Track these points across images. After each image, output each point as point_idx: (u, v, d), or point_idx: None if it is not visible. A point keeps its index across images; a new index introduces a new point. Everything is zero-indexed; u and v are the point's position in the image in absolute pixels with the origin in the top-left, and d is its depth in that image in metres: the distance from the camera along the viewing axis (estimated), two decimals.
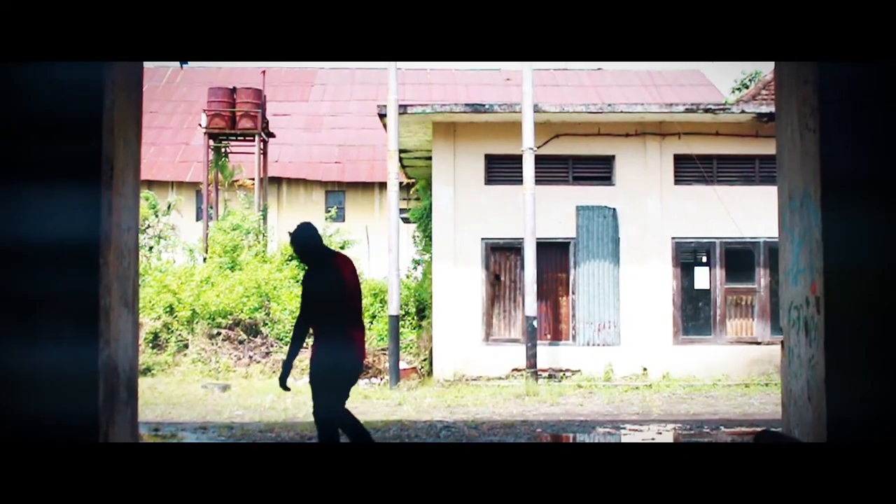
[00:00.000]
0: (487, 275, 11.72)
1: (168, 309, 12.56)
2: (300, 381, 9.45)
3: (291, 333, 4.93)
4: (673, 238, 11.75)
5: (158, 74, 27.46)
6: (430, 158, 12.64)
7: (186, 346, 12.24)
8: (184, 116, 25.30)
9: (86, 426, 3.49)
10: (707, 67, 33.00)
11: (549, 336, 11.67)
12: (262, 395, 9.48)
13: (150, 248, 17.57)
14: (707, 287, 11.85)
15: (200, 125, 18.95)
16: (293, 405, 8.81)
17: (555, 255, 11.72)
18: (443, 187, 11.75)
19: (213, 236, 15.97)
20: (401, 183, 13.38)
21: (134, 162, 4.08)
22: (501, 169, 11.77)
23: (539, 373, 10.92)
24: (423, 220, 14.68)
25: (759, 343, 11.67)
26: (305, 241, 4.75)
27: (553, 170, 11.78)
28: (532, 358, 10.69)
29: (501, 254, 11.81)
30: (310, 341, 4.92)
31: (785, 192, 4.47)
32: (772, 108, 10.80)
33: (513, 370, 11.37)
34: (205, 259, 16.01)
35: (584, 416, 8.32)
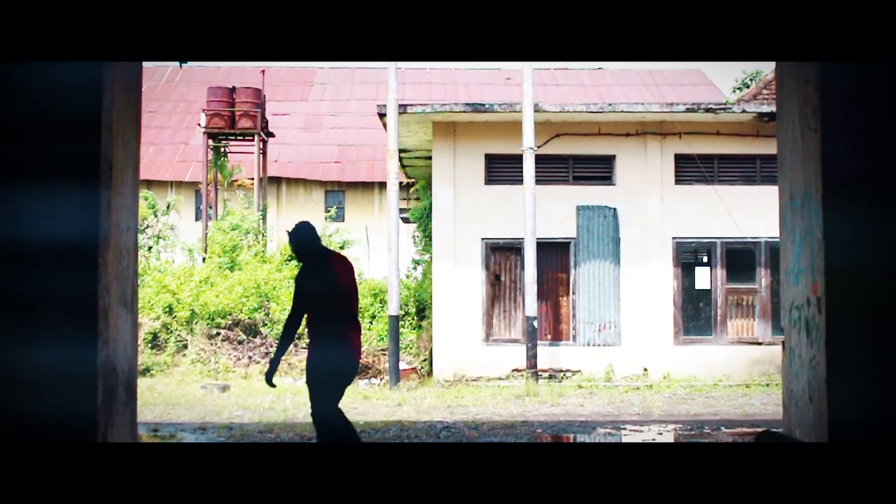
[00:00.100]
0: (487, 275, 11.71)
1: (167, 309, 12.54)
2: (300, 381, 9.44)
3: (281, 331, 4.94)
4: (674, 238, 11.74)
5: (157, 74, 27.45)
6: (430, 158, 12.62)
7: (185, 347, 12.22)
8: (183, 116, 25.28)
9: (84, 426, 3.49)
10: (708, 67, 33.01)
11: (549, 336, 11.66)
12: (262, 396, 9.46)
13: (150, 248, 17.56)
14: (708, 287, 11.83)
15: (199, 125, 18.94)
16: (293, 405, 8.79)
17: (555, 255, 11.70)
18: (443, 187, 11.74)
19: (213, 236, 15.96)
20: (401, 183, 13.37)
21: (133, 161, 4.08)
22: (501, 169, 11.75)
23: (539, 373, 10.91)
24: (423, 220, 14.67)
25: (760, 343, 11.66)
26: (303, 241, 4.76)
27: (553, 169, 11.77)
28: (532, 358, 10.68)
29: (501, 254, 11.80)
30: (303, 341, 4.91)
31: (786, 191, 4.46)
32: (773, 108, 10.80)
33: (513, 370, 11.36)
34: (204, 259, 15.99)
35: (584, 417, 8.30)
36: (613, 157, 11.82)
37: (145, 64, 4.47)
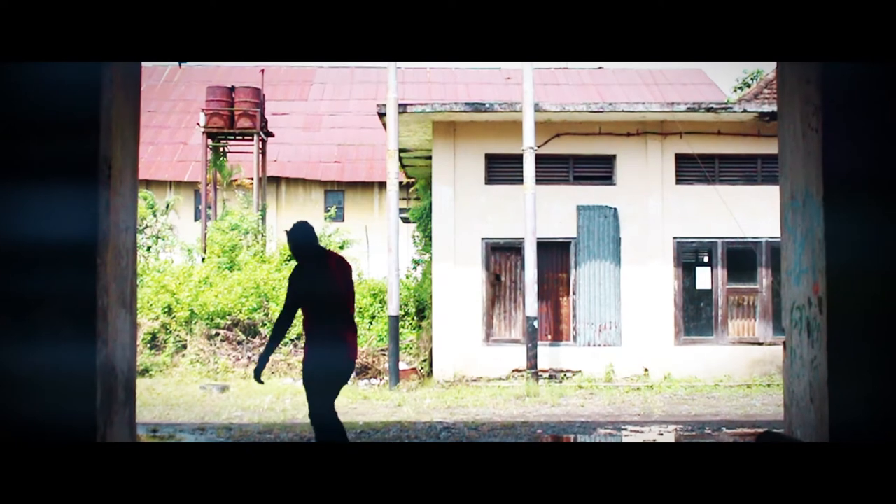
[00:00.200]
0: (488, 275, 11.70)
1: (166, 309, 12.52)
2: (300, 381, 9.41)
3: (272, 328, 4.96)
4: (674, 238, 11.73)
5: (157, 73, 27.43)
6: (429, 158, 12.61)
7: (185, 347, 12.20)
8: (182, 115, 25.26)
9: (83, 427, 3.48)
10: (709, 66, 32.99)
11: (549, 336, 11.64)
12: (261, 396, 9.44)
13: (148, 248, 17.54)
14: (709, 287, 11.82)
15: (199, 124, 18.92)
16: (292, 406, 8.78)
17: (555, 255, 11.69)
18: (443, 187, 11.72)
19: (212, 236, 15.94)
20: (400, 182, 13.35)
21: (132, 161, 4.07)
22: (502, 168, 11.74)
23: (540, 373, 10.89)
24: (423, 220, 14.65)
25: (761, 344, 11.64)
26: (301, 240, 4.75)
27: (554, 169, 11.75)
28: (533, 359, 10.66)
29: (502, 254, 11.78)
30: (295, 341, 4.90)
31: (787, 191, 4.45)
32: (774, 108, 10.79)
33: (513, 371, 11.35)
34: (203, 259, 15.97)
35: (585, 418, 8.29)
36: (614, 156, 11.81)
37: (144, 63, 4.46)
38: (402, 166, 14.60)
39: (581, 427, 7.63)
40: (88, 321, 3.51)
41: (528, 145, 10.88)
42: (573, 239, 11.68)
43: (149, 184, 21.33)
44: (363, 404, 9.27)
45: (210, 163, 19.35)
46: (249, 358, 11.98)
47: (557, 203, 11.59)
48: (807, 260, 4.12)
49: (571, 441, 7.09)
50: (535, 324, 10.78)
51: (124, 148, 3.90)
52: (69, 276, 3.49)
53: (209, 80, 25.01)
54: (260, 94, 19.02)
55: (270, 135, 20.02)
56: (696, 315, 11.84)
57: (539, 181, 11.07)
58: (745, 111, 11.47)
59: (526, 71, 11.13)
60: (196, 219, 21.38)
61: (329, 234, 17.37)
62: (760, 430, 6.51)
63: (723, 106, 11.72)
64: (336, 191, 23.44)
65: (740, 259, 11.81)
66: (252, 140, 19.09)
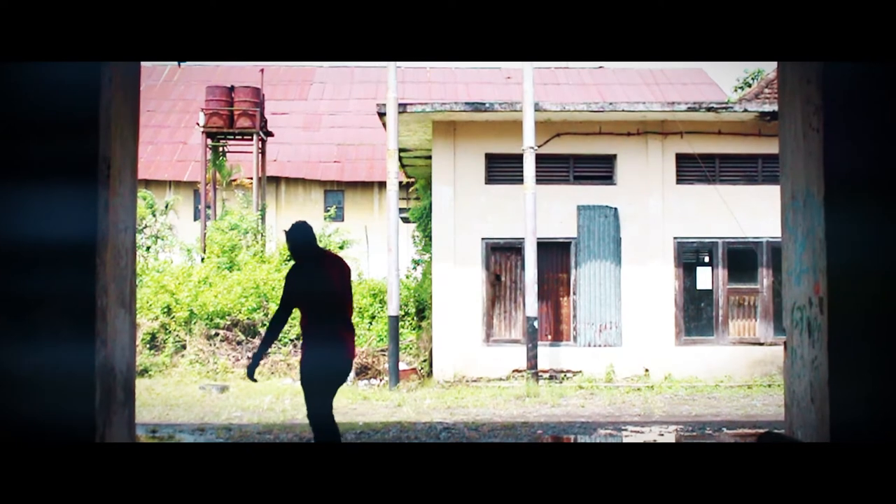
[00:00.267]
0: (488, 275, 11.69)
1: (165, 309, 12.50)
2: (299, 382, 9.39)
3: (267, 326, 4.97)
4: (675, 238, 11.71)
5: (156, 73, 27.41)
6: (429, 157, 12.59)
7: (184, 347, 12.19)
8: (181, 115, 25.24)
9: (82, 427, 3.47)
10: (709, 66, 32.99)
11: (549, 337, 11.63)
12: (261, 397, 9.43)
13: (148, 248, 17.53)
14: (709, 287, 11.80)
15: (198, 124, 18.90)
16: (292, 406, 8.76)
17: (556, 255, 11.68)
18: (443, 187, 11.71)
19: (211, 236, 15.92)
20: (400, 182, 13.34)
21: (131, 161, 4.06)
22: (502, 168, 11.73)
23: (540, 374, 10.88)
24: (423, 220, 14.64)
25: (761, 344, 11.63)
26: (300, 240, 4.77)
27: (554, 169, 11.74)
28: (533, 359, 10.65)
29: (502, 254, 11.77)
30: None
31: (788, 191, 4.44)
32: (775, 107, 10.77)
33: (513, 371, 11.33)
34: (202, 259, 15.95)
35: (585, 418, 8.28)
36: (614, 156, 11.80)
37: (144, 63, 4.45)
38: (402, 166, 14.59)
39: (581, 427, 7.62)
40: (87, 321, 3.50)
41: (528, 145, 10.87)
42: (573, 239, 11.67)
43: (148, 183, 21.31)
44: (363, 405, 9.26)
45: (209, 162, 19.33)
46: (249, 358, 11.97)
47: (558, 203, 11.57)
48: (808, 260, 4.11)
49: (572, 441, 7.07)
50: (536, 324, 10.76)
51: (123, 148, 3.89)
52: (68, 276, 3.49)
53: (209, 79, 25.00)
54: (259, 93, 19.00)
55: (270, 134, 20.00)
56: (696, 315, 11.83)
57: (539, 181, 11.05)
58: (745, 111, 11.45)
59: (526, 70, 11.12)
60: (195, 219, 21.37)
61: (329, 234, 17.35)
62: (761, 431, 6.50)
63: (723, 106, 11.70)
64: (336, 191, 23.43)
65: (741, 259, 11.79)
66: (251, 140, 19.08)
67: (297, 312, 4.82)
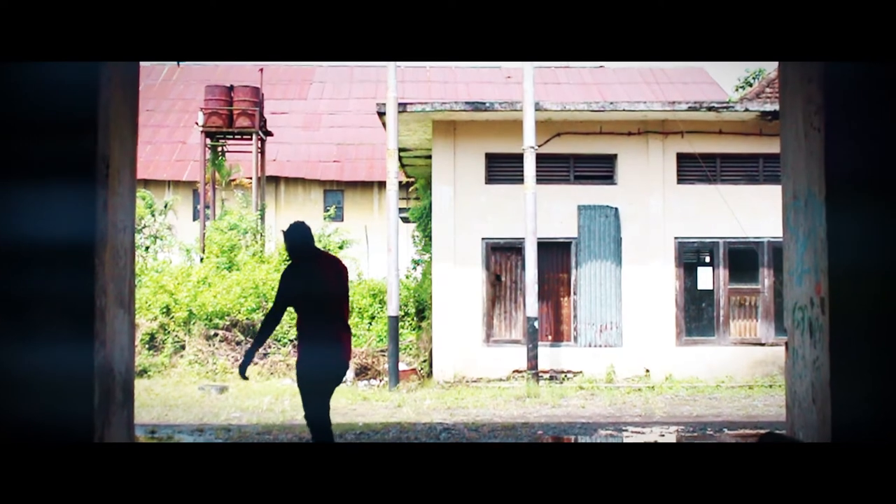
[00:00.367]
0: (488, 275, 11.67)
1: (164, 310, 12.48)
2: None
3: (261, 324, 4.98)
4: (676, 238, 11.70)
5: (155, 72, 27.39)
6: (429, 157, 12.58)
7: (183, 348, 12.16)
8: (180, 115, 25.22)
9: (81, 428, 3.46)
10: (710, 65, 32.98)
11: (550, 337, 11.61)
12: (260, 397, 9.41)
13: (147, 248, 17.50)
14: (710, 287, 11.79)
15: (197, 124, 18.88)
16: (291, 407, 8.74)
17: (556, 255, 11.66)
18: (443, 186, 11.69)
19: (210, 236, 15.90)
20: (400, 182, 13.32)
21: (130, 160, 4.04)
22: (502, 168, 11.71)
23: (540, 374, 10.86)
24: (423, 220, 14.62)
25: (763, 344, 11.61)
26: (298, 240, 4.77)
27: (554, 169, 11.73)
28: (533, 359, 10.63)
29: (502, 254, 11.75)
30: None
31: (789, 191, 4.42)
32: (776, 107, 10.76)
33: (513, 371, 11.32)
34: (202, 259, 15.92)
35: (585, 419, 8.26)
36: (615, 156, 11.78)
37: (142, 62, 4.44)
38: (402, 166, 14.57)
39: (582, 428, 7.61)
40: (86, 322, 3.48)
41: (528, 145, 10.85)
42: (574, 239, 11.65)
43: (147, 183, 21.29)
44: (363, 405, 9.25)
45: (209, 162, 19.32)
46: (253, 360, 11.94)
47: (558, 203, 11.56)
48: (809, 260, 4.10)
49: (572, 442, 7.06)
50: (536, 324, 10.75)
51: (122, 147, 3.88)
52: (67, 277, 3.47)
53: (208, 79, 24.98)
54: (259, 93, 18.99)
55: (269, 134, 19.99)
56: (697, 315, 11.81)
57: (539, 181, 11.04)
58: (746, 110, 11.43)
59: (526, 70, 11.10)
60: (194, 218, 21.34)
61: (328, 234, 17.33)
62: (762, 432, 6.49)
63: (724, 105, 11.69)
64: (335, 190, 23.41)
65: (742, 259, 11.78)
66: (251, 139, 19.06)
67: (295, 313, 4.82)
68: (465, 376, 11.29)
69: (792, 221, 4.37)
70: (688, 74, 27.45)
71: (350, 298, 13.25)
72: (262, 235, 17.17)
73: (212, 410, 8.72)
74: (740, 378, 11.28)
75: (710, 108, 11.35)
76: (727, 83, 37.64)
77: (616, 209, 11.64)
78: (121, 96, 3.84)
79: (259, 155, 19.18)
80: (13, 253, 3.44)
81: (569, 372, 11.40)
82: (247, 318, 12.52)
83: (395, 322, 10.96)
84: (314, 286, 4.61)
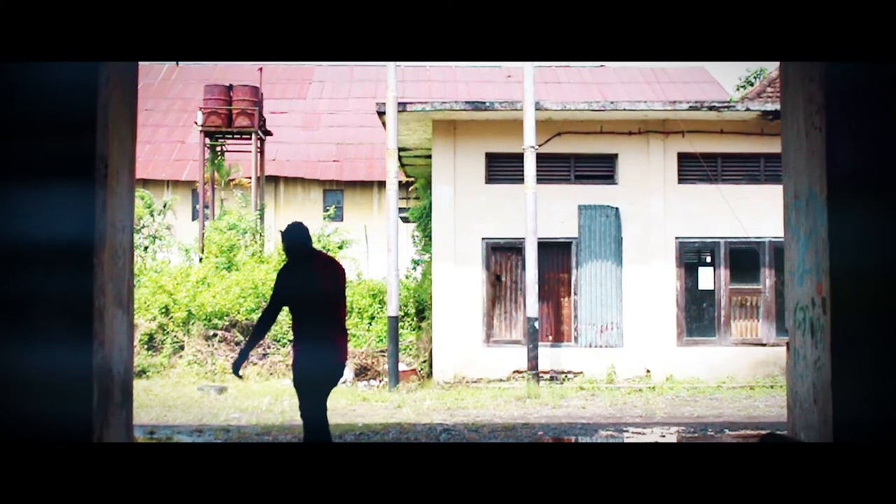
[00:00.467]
0: (488, 275, 11.65)
1: (163, 310, 12.46)
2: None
3: (256, 323, 4.98)
4: (677, 238, 11.68)
5: (154, 71, 27.37)
6: (429, 157, 12.56)
7: (182, 348, 12.14)
8: (179, 114, 25.20)
9: (79, 429, 3.44)
10: (711, 64, 32.98)
11: (550, 337, 11.59)
12: (259, 398, 9.40)
13: (146, 248, 17.48)
14: (711, 287, 11.77)
15: (196, 123, 18.87)
16: (290, 407, 8.73)
17: (556, 255, 11.64)
18: (443, 186, 11.68)
19: (210, 236, 15.88)
20: (400, 182, 13.30)
21: (129, 160, 4.02)
22: (502, 167, 11.69)
23: (540, 375, 10.85)
24: (423, 220, 14.61)
25: (764, 345, 11.60)
26: (295, 241, 4.78)
27: (555, 168, 11.71)
28: (533, 360, 10.62)
29: (502, 254, 11.74)
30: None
31: (790, 191, 4.40)
32: (777, 106, 10.75)
33: (514, 372, 11.30)
34: (201, 259, 15.91)
35: (586, 419, 8.25)
36: (615, 155, 11.76)
37: (141, 62, 4.43)
38: (402, 165, 14.56)
39: (582, 429, 7.59)
40: (85, 322, 3.46)
41: (528, 144, 10.83)
42: (574, 239, 11.63)
43: (146, 183, 21.27)
44: (362, 406, 9.23)
45: (208, 162, 19.30)
46: (248, 359, 11.93)
47: (558, 202, 11.54)
48: (810, 260, 4.08)
49: (573, 442, 7.04)
50: (536, 324, 10.73)
51: (121, 147, 3.86)
52: (65, 277, 3.45)
53: (207, 78, 24.98)
54: (258, 92, 18.97)
55: (269, 133, 19.98)
56: (698, 316, 11.79)
57: (540, 180, 11.02)
58: (747, 110, 11.42)
59: (527, 69, 11.08)
60: (194, 218, 21.33)
61: (328, 234, 17.31)
62: (763, 432, 6.47)
63: (725, 104, 11.67)
64: (335, 190, 23.40)
65: (743, 259, 11.76)
66: (250, 139, 19.05)
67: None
68: (465, 377, 11.27)
69: (793, 221, 4.35)
70: (689, 74, 27.44)
71: (348, 300, 13.26)
72: (261, 235, 17.16)
73: (211, 411, 8.70)
74: (741, 378, 11.26)
75: (711, 108, 11.33)
76: (728, 82, 37.64)
77: (617, 209, 11.63)
78: (119, 96, 3.83)
79: (258, 154, 19.17)
80: (11, 253, 3.43)
81: (569, 372, 11.39)
82: (246, 319, 12.50)
83: (394, 322, 10.95)
84: (310, 287, 4.60)
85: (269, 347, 12.22)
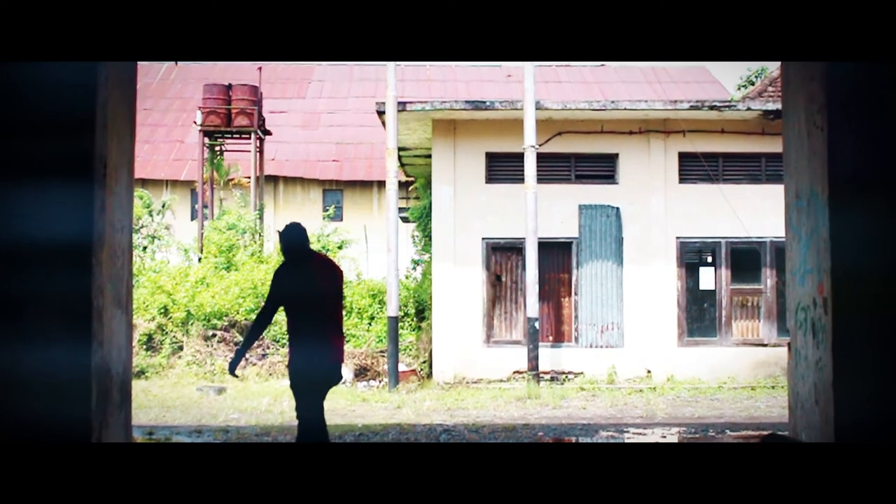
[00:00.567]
0: (488, 275, 11.64)
1: (162, 310, 12.44)
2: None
3: (252, 323, 4.97)
4: (677, 238, 11.67)
5: (153, 71, 27.35)
6: (429, 156, 12.55)
7: (181, 348, 12.12)
8: (178, 114, 25.18)
9: (78, 430, 3.43)
10: (712, 64, 32.97)
11: (551, 338, 11.58)
12: (259, 398, 9.39)
13: (144, 248, 17.46)
14: (712, 288, 11.75)
15: (195, 123, 18.85)
16: (290, 408, 8.71)
17: (557, 255, 11.63)
18: (443, 186, 11.66)
19: (209, 236, 15.86)
20: (400, 181, 13.28)
21: (127, 160, 4.01)
22: (502, 167, 11.68)
23: (541, 375, 10.83)
24: (423, 220, 14.59)
25: (765, 345, 11.58)
26: (292, 241, 4.76)
27: (555, 168, 11.70)
28: (534, 360, 10.60)
29: (502, 254, 11.72)
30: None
31: (792, 190, 4.39)
32: (778, 106, 10.73)
33: (514, 372, 11.29)
34: (200, 259, 15.89)
35: (586, 420, 8.24)
36: (616, 155, 11.75)
37: (140, 61, 4.41)
38: (402, 165, 14.54)
39: (583, 429, 7.58)
40: (83, 322, 3.45)
41: (529, 144, 10.82)
42: (575, 239, 11.62)
43: (145, 183, 21.26)
44: (362, 406, 9.22)
45: (207, 161, 19.29)
46: (247, 359, 11.91)
47: (559, 202, 11.53)
48: (812, 260, 4.07)
49: (573, 442, 7.02)
50: (537, 325, 10.72)
51: (120, 146, 3.85)
52: (64, 277, 3.44)
53: (206, 77, 24.96)
54: (257, 91, 18.96)
55: (268, 133, 19.96)
56: (699, 316, 11.78)
57: (540, 180, 11.01)
58: (748, 109, 11.40)
59: (527, 69, 11.07)
60: (193, 218, 21.31)
61: (327, 234, 17.29)
62: (765, 433, 6.46)
63: (726, 104, 11.65)
64: (334, 190, 23.38)
65: (744, 259, 11.75)
66: (249, 138, 19.03)
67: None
68: (466, 377, 11.26)
69: (794, 221, 4.34)
70: (689, 73, 27.44)
71: (346, 300, 13.18)
72: (260, 235, 17.14)
73: (210, 412, 8.68)
74: (742, 379, 11.25)
75: (712, 107, 11.32)
76: (729, 82, 37.63)
77: (617, 209, 11.61)
78: (118, 96, 3.81)
79: (257, 154, 19.15)
80: (10, 253, 3.42)
81: (570, 373, 11.37)
82: (245, 319, 12.48)
83: (394, 322, 10.93)
84: (307, 287, 4.60)
85: (268, 348, 12.20)
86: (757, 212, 11.42)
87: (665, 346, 11.49)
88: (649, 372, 11.42)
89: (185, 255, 17.06)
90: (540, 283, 11.10)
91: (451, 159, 11.66)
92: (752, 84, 23.66)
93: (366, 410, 8.89)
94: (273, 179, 22.54)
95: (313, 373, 4.60)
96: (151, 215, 18.64)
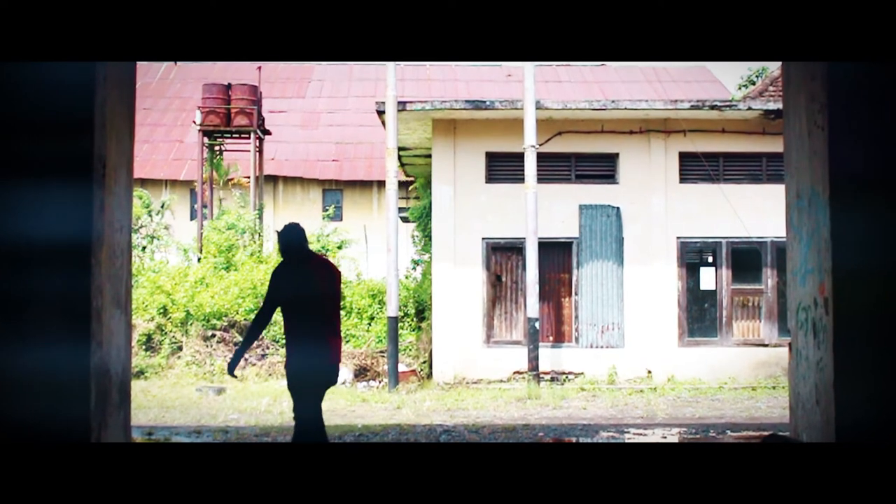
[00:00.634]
0: (488, 275, 11.63)
1: (161, 310, 12.43)
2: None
3: (250, 323, 4.97)
4: (678, 238, 11.66)
5: (152, 71, 27.34)
6: (429, 156, 12.54)
7: (180, 349, 12.12)
8: (178, 113, 25.17)
9: (77, 430, 3.42)
10: (713, 63, 32.98)
11: (551, 338, 11.57)
12: (258, 399, 9.38)
13: (144, 247, 17.46)
14: (713, 288, 11.75)
15: (195, 122, 18.84)
16: (289, 408, 8.70)
17: (557, 255, 11.62)
18: (443, 186, 11.65)
19: (208, 236, 15.85)
20: (400, 181, 13.27)
21: (126, 160, 4.00)
22: (503, 167, 11.67)
23: (541, 375, 10.82)
24: (423, 220, 14.59)
25: (766, 345, 11.57)
26: (291, 242, 4.76)
27: (555, 168, 11.69)
28: (534, 360, 10.59)
29: (503, 254, 11.71)
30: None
31: (793, 190, 4.38)
32: (779, 105, 10.73)
33: (514, 373, 11.28)
34: (199, 259, 15.88)
35: (587, 420, 8.23)
36: (617, 155, 11.74)
37: (140, 61, 4.41)
38: (402, 165, 14.53)
39: (583, 430, 7.57)
40: (82, 322, 3.45)
41: (529, 143, 10.81)
42: (575, 238, 11.61)
43: (144, 182, 21.25)
44: (362, 406, 9.21)
45: (206, 161, 19.28)
46: (246, 360, 11.90)
47: (559, 202, 11.52)
48: (812, 260, 4.06)
49: (573, 442, 7.02)
50: (537, 325, 10.71)
51: (119, 146, 3.84)
52: (63, 277, 3.44)
53: (205, 77, 24.96)
54: (257, 91, 18.95)
55: (267, 133, 19.95)
56: (700, 316, 11.77)
57: (540, 180, 11.00)
58: (749, 109, 11.39)
59: (527, 68, 11.06)
60: (192, 218, 21.30)
61: (327, 234, 17.29)
62: (766, 433, 6.46)
63: (727, 104, 11.64)
64: (334, 190, 23.38)
65: (745, 259, 11.74)
66: (249, 138, 19.02)
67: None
68: (466, 377, 11.25)
69: (795, 221, 4.33)
70: (690, 73, 27.44)
71: (346, 301, 13.16)
72: (260, 235, 17.13)
73: (209, 412, 8.67)
74: (743, 379, 11.24)
75: (712, 107, 11.31)
76: (730, 81, 37.60)
77: (618, 209, 11.60)
78: (117, 95, 3.80)
79: (257, 154, 19.14)
80: (9, 253, 3.41)
81: (570, 373, 11.37)
82: (245, 319, 12.47)
83: (394, 323, 10.92)
84: (305, 288, 4.59)
85: (267, 348, 12.19)
86: (758, 212, 11.41)
87: (666, 346, 11.48)
88: (650, 372, 11.41)
89: (185, 255, 17.04)
90: (540, 284, 11.09)
91: (451, 159, 11.65)
92: (753, 84, 23.66)
93: (365, 411, 8.88)
94: (273, 179, 22.53)
95: (311, 374, 4.59)
96: (151, 215, 18.63)
